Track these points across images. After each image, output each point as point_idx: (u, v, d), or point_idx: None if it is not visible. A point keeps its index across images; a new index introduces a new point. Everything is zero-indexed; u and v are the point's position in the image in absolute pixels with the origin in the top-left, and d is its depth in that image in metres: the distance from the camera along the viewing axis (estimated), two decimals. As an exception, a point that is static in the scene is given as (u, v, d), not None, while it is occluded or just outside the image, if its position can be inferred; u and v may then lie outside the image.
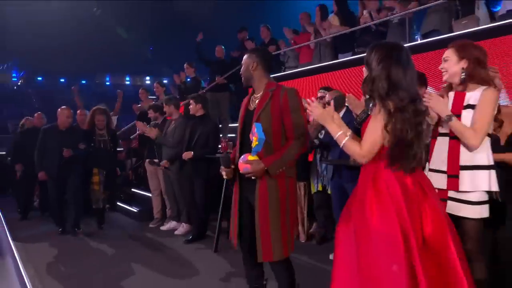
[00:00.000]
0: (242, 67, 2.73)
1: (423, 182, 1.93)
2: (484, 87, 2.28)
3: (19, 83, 23.77)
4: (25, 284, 3.69)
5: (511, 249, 2.70)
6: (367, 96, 1.99)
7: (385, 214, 1.84)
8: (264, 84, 2.65)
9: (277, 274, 2.63)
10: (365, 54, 2.04)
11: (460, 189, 2.25)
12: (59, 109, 5.50)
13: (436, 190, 2.34)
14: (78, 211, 5.55)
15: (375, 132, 1.92)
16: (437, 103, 2.31)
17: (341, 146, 2.02)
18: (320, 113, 2.10)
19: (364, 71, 2.03)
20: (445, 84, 2.48)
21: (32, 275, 3.89)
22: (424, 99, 2.34)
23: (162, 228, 5.64)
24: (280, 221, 2.50)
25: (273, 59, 2.82)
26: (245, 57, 2.73)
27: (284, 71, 7.37)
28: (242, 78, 2.75)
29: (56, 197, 5.48)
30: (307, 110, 2.19)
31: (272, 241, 2.48)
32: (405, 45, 5.30)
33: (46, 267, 4.18)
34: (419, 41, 5.29)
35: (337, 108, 2.13)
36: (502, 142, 2.61)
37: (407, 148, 1.88)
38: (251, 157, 2.49)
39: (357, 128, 3.14)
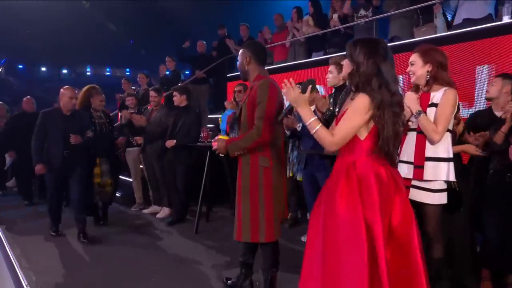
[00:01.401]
0: (238, 63, 2.73)
1: (396, 176, 1.94)
2: (445, 88, 2.39)
3: (0, 71, 22.76)
4: (12, 263, 3.59)
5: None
6: (353, 89, 1.96)
7: (351, 204, 1.82)
8: (254, 77, 2.66)
9: (262, 255, 2.69)
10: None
11: (424, 178, 2.35)
12: (61, 90, 4.37)
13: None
14: (84, 213, 4.40)
15: (352, 122, 1.87)
16: (410, 100, 2.42)
17: (312, 132, 1.93)
18: (294, 96, 1.98)
19: (347, 65, 2.01)
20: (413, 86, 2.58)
21: (18, 255, 3.80)
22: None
23: (144, 211, 5.58)
24: (250, 207, 2.51)
25: (265, 50, 2.79)
26: (239, 52, 2.72)
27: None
28: (240, 73, 2.75)
29: (56, 194, 4.41)
30: (282, 91, 2.10)
31: (242, 223, 2.54)
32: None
33: (31, 247, 4.08)
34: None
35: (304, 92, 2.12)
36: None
37: (393, 138, 1.88)
38: (221, 137, 2.74)
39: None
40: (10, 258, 3.72)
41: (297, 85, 2.05)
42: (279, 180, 2.57)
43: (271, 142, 2.52)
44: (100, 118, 4.71)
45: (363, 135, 1.91)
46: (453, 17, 4.89)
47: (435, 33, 4.79)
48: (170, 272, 3.39)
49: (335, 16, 6.21)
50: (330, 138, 1.89)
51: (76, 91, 6.28)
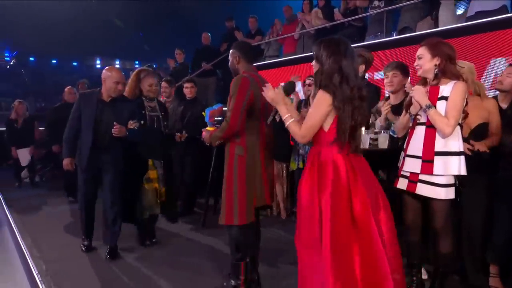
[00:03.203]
0: (229, 62, 2.87)
1: (357, 165, 2.06)
2: (455, 81, 2.35)
3: (11, 63, 22.96)
4: (23, 253, 3.65)
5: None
6: (318, 87, 2.10)
7: (310, 189, 2.06)
8: None
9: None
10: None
11: (434, 173, 2.32)
12: (104, 71, 3.54)
13: (408, 174, 2.44)
14: (118, 226, 3.59)
15: (315, 116, 2.06)
16: (418, 94, 2.38)
17: (286, 127, 2.17)
18: (271, 96, 2.25)
19: (314, 65, 2.14)
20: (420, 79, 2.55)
21: (29, 245, 3.86)
22: (409, 92, 2.47)
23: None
24: (226, 192, 2.70)
25: (253, 49, 2.91)
26: (230, 52, 2.86)
27: (264, 60, 7.39)
28: (231, 71, 2.88)
29: (86, 199, 3.62)
30: (263, 93, 2.33)
31: (221, 206, 2.74)
32: (381, 39, 5.39)
33: (43, 236, 4.13)
34: (394, 37, 5.36)
35: (287, 94, 2.31)
36: (465, 134, 2.69)
37: (354, 131, 2.06)
38: (208, 128, 3.02)
39: None
40: (21, 247, 3.79)
41: (309, 78, 2.17)
42: (253, 168, 2.69)
43: (242, 132, 2.66)
44: (154, 110, 3.73)
45: (326, 127, 2.08)
46: (466, 9, 4.80)
47: (438, 27, 4.72)
48: (177, 263, 3.41)
49: (336, 10, 6.18)
50: (298, 131, 2.11)
51: (86, 85, 6.39)
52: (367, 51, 3.32)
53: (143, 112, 3.66)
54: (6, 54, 22.87)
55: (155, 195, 3.72)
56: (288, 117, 2.17)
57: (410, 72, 3.23)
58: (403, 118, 2.57)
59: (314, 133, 2.09)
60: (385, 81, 3.11)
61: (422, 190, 2.38)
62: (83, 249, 3.70)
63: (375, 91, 3.33)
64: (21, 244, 3.89)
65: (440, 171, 2.32)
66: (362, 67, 3.27)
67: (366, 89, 2.12)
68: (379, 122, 3.05)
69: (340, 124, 2.03)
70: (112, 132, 3.38)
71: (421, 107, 2.39)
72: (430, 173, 2.33)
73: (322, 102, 2.05)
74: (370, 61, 3.31)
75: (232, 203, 2.66)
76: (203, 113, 5.11)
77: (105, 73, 3.51)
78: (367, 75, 4.01)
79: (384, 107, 2.94)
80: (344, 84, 2.03)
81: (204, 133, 2.97)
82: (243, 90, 2.61)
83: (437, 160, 2.33)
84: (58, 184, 7.06)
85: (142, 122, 3.60)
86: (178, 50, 7.81)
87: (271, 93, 2.25)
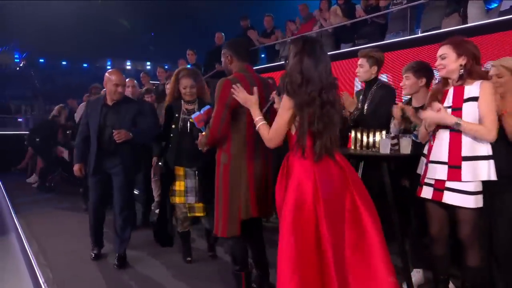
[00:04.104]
0: (222, 63, 2.82)
1: (319, 175, 2.02)
2: (481, 81, 2.31)
3: (21, 64, 23.50)
4: (30, 259, 3.70)
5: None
6: (281, 89, 2.13)
7: (279, 190, 2.14)
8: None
9: None
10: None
11: (462, 179, 2.27)
12: (106, 74, 3.62)
13: (433, 181, 2.39)
14: (127, 234, 3.63)
15: (279, 120, 2.10)
16: (437, 117, 2.33)
17: (256, 129, 2.25)
18: (244, 97, 2.34)
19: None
20: (438, 80, 2.50)
21: (36, 251, 3.91)
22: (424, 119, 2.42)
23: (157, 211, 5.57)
24: (215, 202, 2.70)
25: (246, 46, 2.85)
26: (222, 53, 2.79)
27: (280, 61, 7.38)
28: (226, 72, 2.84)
29: (96, 206, 3.65)
30: (233, 95, 2.40)
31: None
32: (404, 37, 5.30)
33: (49, 243, 4.18)
34: (419, 34, 5.28)
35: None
36: None
37: (315, 138, 2.03)
38: (204, 133, 2.98)
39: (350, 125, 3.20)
40: (28, 254, 3.84)
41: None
42: (238, 178, 2.60)
43: (228, 138, 2.61)
44: (190, 112, 3.45)
45: (293, 130, 2.12)
46: (499, 3, 4.69)
47: (466, 23, 4.63)
48: (191, 272, 3.41)
49: (357, 7, 6.13)
50: (266, 135, 2.18)
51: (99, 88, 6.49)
52: (377, 51, 3.29)
53: (177, 115, 3.49)
54: (16, 56, 23.42)
55: (181, 210, 3.51)
56: (259, 119, 2.23)
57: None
58: (422, 129, 2.55)
59: (281, 136, 2.13)
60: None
61: (449, 198, 2.33)
62: (92, 257, 3.72)
63: (391, 94, 3.29)
64: (27, 250, 3.94)
65: (469, 177, 2.27)
66: (374, 69, 3.24)
67: (333, 94, 2.08)
68: (392, 126, 3.01)
69: (298, 130, 2.06)
70: (114, 138, 3.39)
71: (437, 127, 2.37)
72: (458, 179, 2.28)
73: (283, 106, 2.08)
74: (381, 62, 3.27)
75: (217, 214, 2.66)
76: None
77: (106, 76, 3.59)
78: (385, 76, 3.97)
79: (396, 113, 2.90)
80: (303, 87, 2.02)
81: (199, 137, 2.99)
82: (224, 95, 2.54)
83: (465, 165, 2.28)
84: (66, 188, 7.18)
85: (173, 126, 3.46)
86: (190, 51, 7.84)
87: (242, 95, 2.33)
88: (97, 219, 3.69)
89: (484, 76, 2.35)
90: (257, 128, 2.22)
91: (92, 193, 3.65)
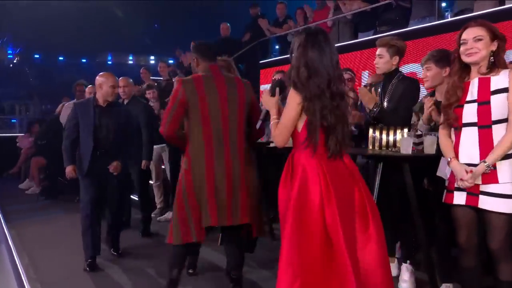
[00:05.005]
0: (192, 68, 3.06)
1: (331, 173, 2.11)
2: (508, 69, 2.27)
3: (14, 61, 23.84)
4: (19, 274, 3.75)
5: None
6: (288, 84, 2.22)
7: (283, 189, 2.22)
8: None
9: None
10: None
11: (500, 181, 2.23)
12: (97, 77, 3.99)
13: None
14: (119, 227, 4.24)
15: (285, 117, 2.17)
16: (473, 178, 2.27)
17: (270, 127, 2.33)
18: (263, 100, 2.41)
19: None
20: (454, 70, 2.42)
21: (26, 264, 3.96)
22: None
23: (160, 218, 5.60)
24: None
25: (212, 48, 3.06)
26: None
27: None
28: None
29: (90, 210, 3.84)
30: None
31: None
32: (433, 22, 5.22)
33: (42, 255, 4.24)
34: (448, 19, 5.19)
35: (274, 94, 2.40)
36: None
37: (327, 133, 2.12)
38: None
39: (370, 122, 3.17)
40: (18, 268, 3.89)
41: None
42: (196, 182, 2.75)
43: (188, 141, 2.82)
44: None
45: (299, 127, 2.18)
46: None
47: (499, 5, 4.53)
48: (192, 280, 3.43)
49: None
50: (273, 132, 2.26)
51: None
52: (398, 39, 3.23)
53: None
54: (9, 52, 23.78)
55: None
56: (274, 118, 2.29)
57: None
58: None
59: (288, 133, 2.20)
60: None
61: (486, 203, 2.27)
62: (87, 268, 3.77)
63: (415, 86, 3.23)
64: (17, 264, 4.00)
65: (507, 177, 2.22)
66: (395, 59, 3.19)
67: (342, 85, 2.19)
68: (422, 122, 2.95)
69: (309, 125, 2.12)
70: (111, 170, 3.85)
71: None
72: (495, 182, 2.23)
73: (290, 101, 2.15)
74: (403, 51, 3.22)
75: (172, 220, 2.89)
76: None
77: (99, 79, 3.95)
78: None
79: (427, 104, 2.84)
80: (311, 80, 2.10)
81: None
82: (174, 96, 2.80)
83: (501, 165, 2.23)
84: (62, 196, 7.25)
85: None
86: (194, 43, 7.85)
87: (265, 98, 2.41)
88: (92, 221, 3.85)
89: (505, 65, 2.31)
90: (270, 125, 2.30)
91: (85, 196, 3.87)
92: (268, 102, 2.37)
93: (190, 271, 3.63)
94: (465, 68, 2.37)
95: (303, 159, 2.15)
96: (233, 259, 3.02)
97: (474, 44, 2.29)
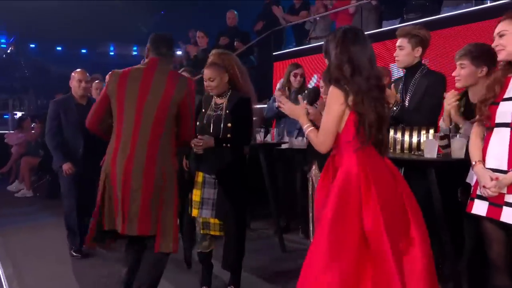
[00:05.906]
0: None
1: (374, 173, 2.19)
2: None
3: (8, 51, 24.12)
4: (1, 285, 3.77)
5: None
6: (328, 83, 2.31)
7: (322, 195, 2.33)
8: None
9: None
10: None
11: None
12: (73, 74, 4.57)
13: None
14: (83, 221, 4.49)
15: (328, 119, 2.24)
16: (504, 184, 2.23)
17: (305, 136, 2.45)
18: (288, 108, 2.47)
19: (327, 61, 2.32)
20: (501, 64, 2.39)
21: (10, 276, 3.99)
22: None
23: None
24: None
25: (164, 40, 3.06)
26: None
27: (309, 43, 7.29)
28: None
29: (75, 203, 4.47)
30: (280, 108, 2.60)
31: None
32: (471, 8, 5.12)
33: (28, 265, 4.27)
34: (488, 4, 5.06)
35: (311, 103, 2.60)
36: None
37: (377, 124, 2.21)
38: None
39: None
40: (0, 279, 3.92)
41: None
42: (104, 183, 2.80)
43: (95, 132, 2.99)
44: (218, 107, 3.39)
45: (340, 127, 2.25)
46: None
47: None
48: None
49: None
50: (315, 139, 2.31)
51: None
52: (421, 28, 3.16)
53: (203, 110, 3.47)
54: (3, 41, 24.12)
55: (196, 226, 3.47)
56: (307, 127, 2.36)
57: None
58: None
59: (332, 137, 2.26)
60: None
61: (510, 217, 2.20)
62: (74, 254, 4.40)
63: (441, 82, 3.15)
64: (0, 275, 4.02)
65: None
66: (418, 51, 3.13)
67: (382, 80, 2.31)
68: (442, 123, 2.89)
69: (363, 122, 2.18)
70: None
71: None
72: None
73: (333, 101, 2.22)
74: (427, 41, 3.14)
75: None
76: None
77: (71, 76, 4.50)
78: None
79: (449, 99, 2.77)
80: (357, 75, 2.19)
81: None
82: (106, 86, 2.95)
83: None
84: (51, 200, 7.29)
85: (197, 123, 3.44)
86: (200, 33, 7.85)
87: (287, 106, 2.48)
88: (77, 216, 4.44)
89: None
90: (306, 135, 2.39)
91: (72, 192, 4.43)
92: (295, 110, 2.45)
93: None
94: None
95: (346, 161, 2.24)
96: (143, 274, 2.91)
97: (499, 40, 2.30)
